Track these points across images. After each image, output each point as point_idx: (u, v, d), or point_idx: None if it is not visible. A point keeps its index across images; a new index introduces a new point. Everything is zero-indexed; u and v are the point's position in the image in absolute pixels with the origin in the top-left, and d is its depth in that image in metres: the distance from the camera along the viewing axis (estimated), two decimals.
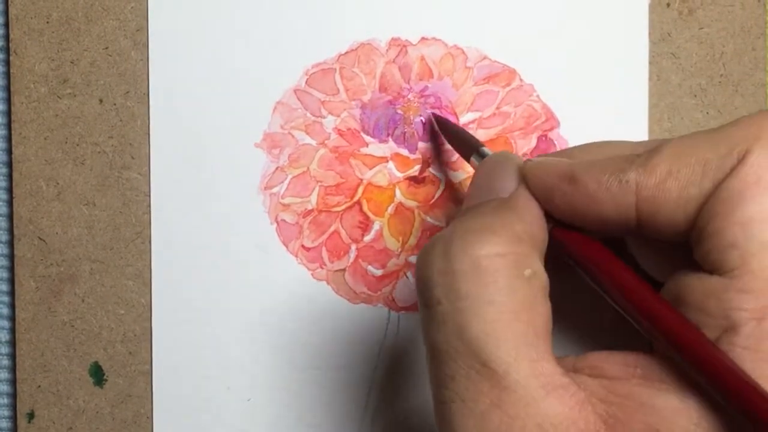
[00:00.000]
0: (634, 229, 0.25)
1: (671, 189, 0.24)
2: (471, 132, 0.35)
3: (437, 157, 0.36)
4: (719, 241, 0.23)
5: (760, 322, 0.22)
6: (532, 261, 0.25)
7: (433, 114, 0.35)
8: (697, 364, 0.23)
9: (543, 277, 0.25)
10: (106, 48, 0.36)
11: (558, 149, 0.36)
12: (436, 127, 0.35)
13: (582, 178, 0.25)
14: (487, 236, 0.25)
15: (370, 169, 0.36)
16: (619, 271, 0.25)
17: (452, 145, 0.35)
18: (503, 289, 0.24)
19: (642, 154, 0.25)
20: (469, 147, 0.32)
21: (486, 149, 0.31)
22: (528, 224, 0.26)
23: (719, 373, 0.22)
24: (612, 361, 0.25)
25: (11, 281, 0.36)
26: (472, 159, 0.32)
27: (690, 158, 0.24)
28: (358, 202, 0.36)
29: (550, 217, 0.26)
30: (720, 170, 0.24)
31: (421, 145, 0.36)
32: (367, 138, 0.36)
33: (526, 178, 0.27)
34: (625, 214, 0.25)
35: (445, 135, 0.35)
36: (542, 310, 0.25)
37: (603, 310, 0.28)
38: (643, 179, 0.24)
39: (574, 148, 0.28)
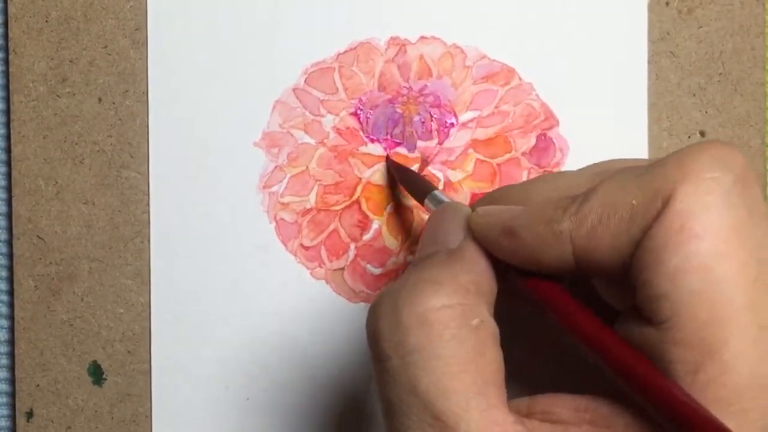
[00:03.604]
0: (577, 273, 0.25)
1: (603, 238, 0.24)
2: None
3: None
4: (650, 292, 0.23)
5: (695, 375, 0.22)
6: (480, 311, 0.25)
7: (388, 158, 0.36)
8: (646, 395, 0.23)
9: (492, 326, 0.25)
10: (105, 47, 0.36)
11: (557, 148, 0.36)
12: (393, 171, 0.36)
13: (520, 232, 0.25)
14: (434, 288, 0.25)
15: (369, 168, 0.36)
16: (569, 308, 0.25)
17: (406, 189, 0.35)
18: (450, 341, 0.24)
19: (575, 200, 0.25)
20: (422, 190, 0.33)
21: (438, 193, 0.32)
22: (475, 275, 0.26)
23: (672, 405, 0.22)
24: (562, 405, 0.25)
25: (10, 280, 0.36)
26: (426, 202, 0.32)
27: (618, 205, 0.24)
28: (357, 201, 0.36)
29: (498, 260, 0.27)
30: (646, 217, 0.23)
31: (420, 144, 0.36)
32: (366, 137, 0.36)
33: (471, 232, 0.27)
34: (565, 261, 0.25)
35: (399, 179, 0.35)
36: (492, 357, 0.25)
37: (562, 353, 0.28)
38: (575, 229, 0.24)
39: (527, 183, 0.29)
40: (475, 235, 0.27)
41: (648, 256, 0.23)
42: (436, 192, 0.32)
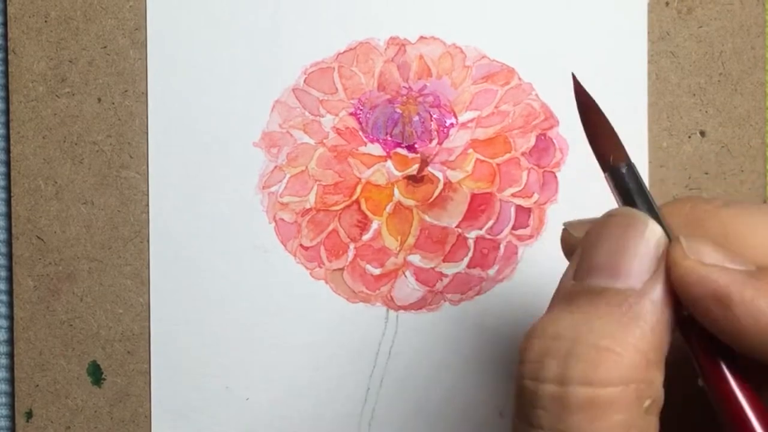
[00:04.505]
0: None
1: None
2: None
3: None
4: None
5: None
6: (654, 387, 0.22)
7: (574, 78, 0.28)
8: None
9: (660, 401, 0.22)
10: (105, 47, 0.36)
11: (557, 148, 0.36)
12: (578, 104, 0.28)
13: (737, 307, 0.21)
14: (611, 361, 0.22)
15: (369, 168, 0.36)
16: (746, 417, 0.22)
17: (588, 137, 0.27)
18: (617, 428, 0.21)
19: None
20: (607, 153, 0.25)
21: (630, 170, 0.25)
22: (658, 335, 0.22)
23: None
24: None
25: (10, 280, 0.36)
26: (607, 176, 0.25)
27: None
28: (357, 201, 0.36)
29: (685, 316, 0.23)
30: None
31: (420, 143, 0.36)
32: (365, 137, 0.36)
33: (673, 276, 0.23)
34: None
35: (583, 119, 0.27)
36: None
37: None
38: None
39: (725, 209, 0.24)
40: (679, 287, 0.23)
41: None
42: (626, 166, 0.25)
